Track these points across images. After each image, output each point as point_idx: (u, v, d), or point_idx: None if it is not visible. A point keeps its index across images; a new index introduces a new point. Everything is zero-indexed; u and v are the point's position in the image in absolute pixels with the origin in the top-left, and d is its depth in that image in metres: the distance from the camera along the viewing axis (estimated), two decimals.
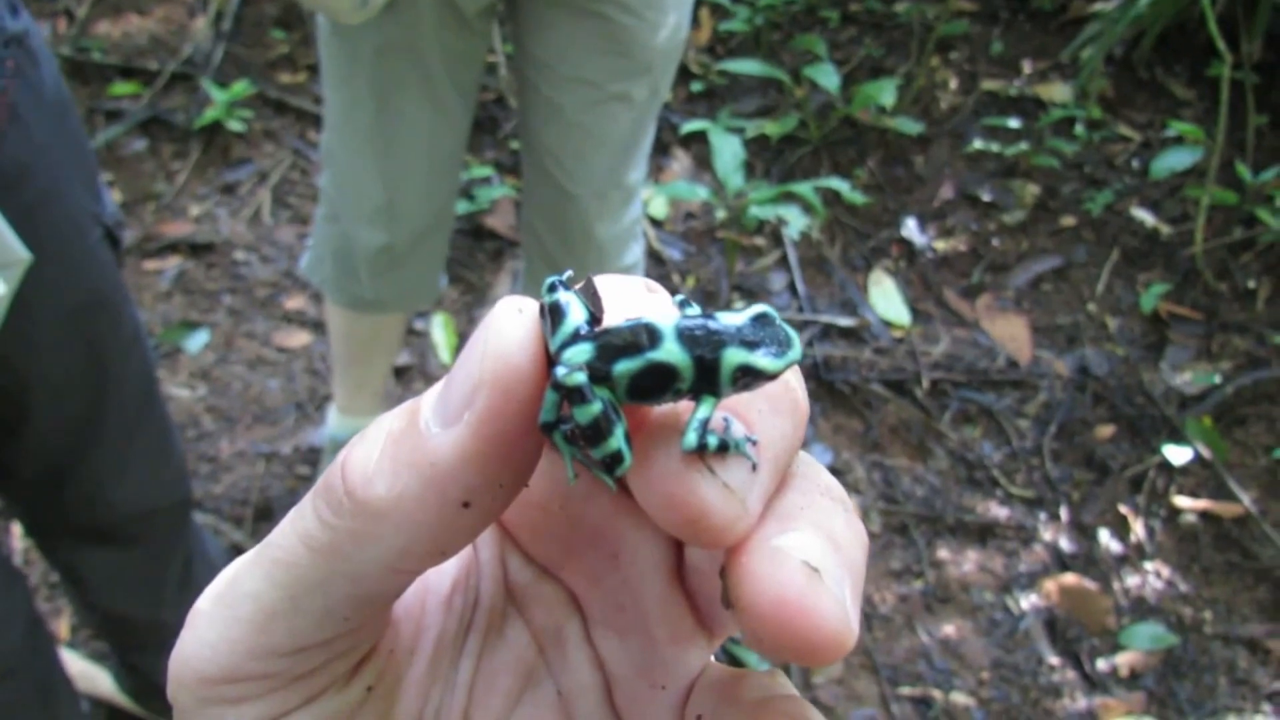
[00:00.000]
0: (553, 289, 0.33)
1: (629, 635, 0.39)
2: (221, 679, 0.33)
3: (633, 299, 0.34)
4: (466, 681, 0.38)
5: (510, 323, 0.31)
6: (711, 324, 0.32)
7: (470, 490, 0.30)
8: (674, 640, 0.38)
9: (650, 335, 0.32)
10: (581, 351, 0.31)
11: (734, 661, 1.92)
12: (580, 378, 0.31)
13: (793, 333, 0.33)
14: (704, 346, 0.32)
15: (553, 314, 0.32)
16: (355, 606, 0.32)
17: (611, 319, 0.33)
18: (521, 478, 0.32)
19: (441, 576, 0.39)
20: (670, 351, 0.31)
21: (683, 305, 0.35)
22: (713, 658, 0.40)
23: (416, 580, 0.36)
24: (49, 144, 1.12)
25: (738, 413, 0.32)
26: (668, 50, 1.65)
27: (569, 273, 0.34)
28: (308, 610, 0.32)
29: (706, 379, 0.32)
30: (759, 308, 0.34)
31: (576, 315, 0.32)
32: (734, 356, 0.32)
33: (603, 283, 0.34)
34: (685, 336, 0.32)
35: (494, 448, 0.30)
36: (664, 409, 0.33)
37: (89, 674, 1.76)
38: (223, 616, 0.33)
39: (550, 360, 0.32)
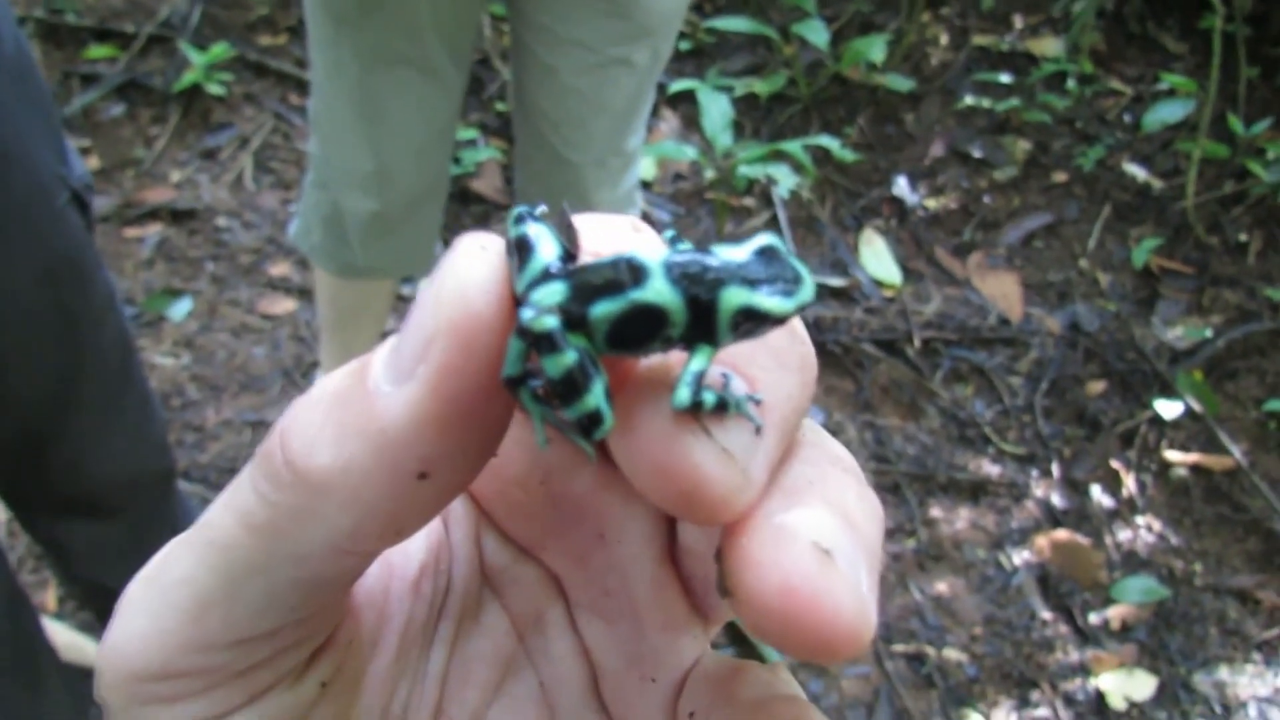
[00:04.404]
0: (520, 220, 0.28)
1: (616, 622, 0.35)
2: (153, 675, 0.29)
3: (616, 238, 0.30)
4: (439, 673, 0.35)
5: (470, 262, 0.27)
6: (707, 259, 0.27)
7: (427, 459, 0.26)
8: (665, 628, 0.34)
9: (633, 272, 0.27)
10: (553, 292, 0.27)
11: (741, 638, 1.92)
12: (550, 322, 0.26)
13: (803, 269, 0.28)
14: (698, 285, 0.27)
15: (520, 250, 0.27)
16: (302, 593, 0.28)
17: (589, 256, 0.28)
18: (488, 445, 0.28)
19: (408, 559, 0.35)
20: (658, 291, 0.26)
21: (674, 242, 0.30)
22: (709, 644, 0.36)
23: (378, 563, 0.33)
24: (8, 104, 1.09)
25: (737, 367, 0.28)
26: (669, 14, 1.60)
27: (541, 206, 0.30)
28: (247, 598, 0.28)
29: (702, 324, 0.27)
30: (763, 238, 0.29)
31: (547, 251, 0.27)
32: (734, 297, 0.27)
33: (581, 220, 0.30)
34: (676, 274, 0.27)
35: (453, 408, 0.26)
36: (651, 361, 0.28)
37: (76, 644, 1.75)
38: (154, 606, 0.29)
39: (518, 303, 0.27)
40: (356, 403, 0.27)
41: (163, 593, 0.29)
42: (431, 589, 0.35)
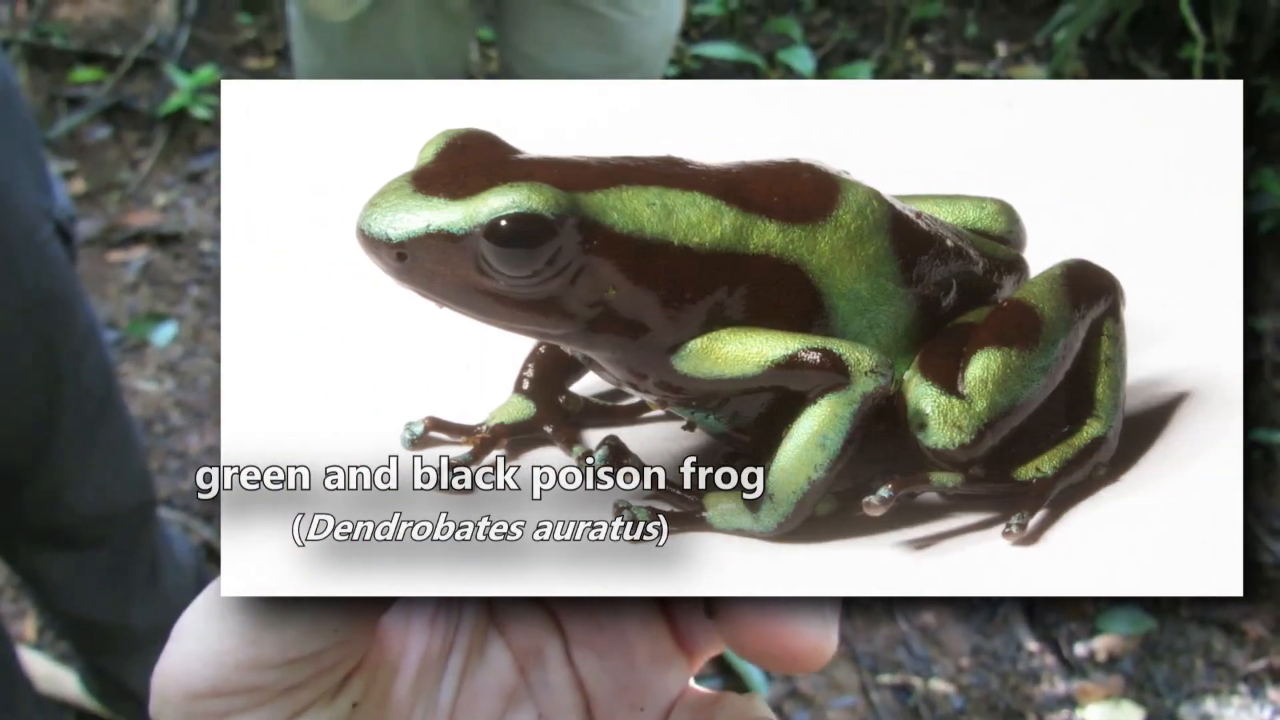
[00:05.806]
0: None
1: (609, 656, 0.39)
2: (208, 692, 0.33)
3: None
4: (448, 704, 0.39)
5: None
6: None
7: None
8: (653, 661, 0.39)
9: None
10: None
11: (728, 670, 1.92)
12: None
13: None
14: None
15: None
16: (343, 618, 0.33)
17: None
18: None
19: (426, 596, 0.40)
20: None
21: None
22: (693, 681, 0.40)
23: (401, 599, 0.37)
24: None
25: None
26: (658, 45, 1.62)
27: None
28: (296, 622, 0.33)
29: None
30: None
31: None
32: None
33: None
34: None
35: None
36: None
37: (55, 676, 1.73)
38: (212, 629, 0.33)
39: None
40: None
41: (220, 618, 0.33)
42: (445, 624, 0.39)
